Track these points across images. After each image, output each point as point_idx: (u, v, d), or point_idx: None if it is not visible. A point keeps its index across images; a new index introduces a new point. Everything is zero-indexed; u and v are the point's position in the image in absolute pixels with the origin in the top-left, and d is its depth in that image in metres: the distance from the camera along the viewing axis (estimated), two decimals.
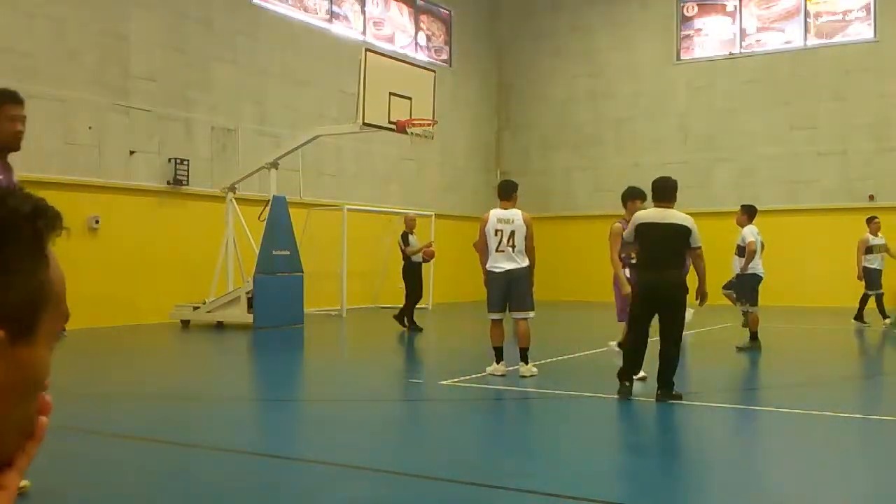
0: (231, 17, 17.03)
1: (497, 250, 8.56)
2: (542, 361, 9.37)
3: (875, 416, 6.64)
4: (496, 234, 8.60)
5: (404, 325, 14.04)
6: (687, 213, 7.49)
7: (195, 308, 14.58)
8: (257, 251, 14.29)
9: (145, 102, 15.32)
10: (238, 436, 6.14)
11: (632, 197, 8.72)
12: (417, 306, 14.56)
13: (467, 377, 8.58)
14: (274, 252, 14.24)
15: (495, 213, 8.70)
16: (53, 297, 0.83)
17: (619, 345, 8.77)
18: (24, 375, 0.80)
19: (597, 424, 6.59)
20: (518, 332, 8.68)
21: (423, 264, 14.38)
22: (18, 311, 0.79)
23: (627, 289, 7.86)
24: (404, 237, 14.12)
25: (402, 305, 14.20)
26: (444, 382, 8.33)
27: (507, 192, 8.85)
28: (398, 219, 18.11)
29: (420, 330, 14.00)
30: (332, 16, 19.94)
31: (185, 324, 14.52)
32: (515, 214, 8.60)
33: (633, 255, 8.08)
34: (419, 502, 4.51)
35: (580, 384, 8.33)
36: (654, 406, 6.98)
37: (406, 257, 13.99)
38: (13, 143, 4.42)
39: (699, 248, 7.14)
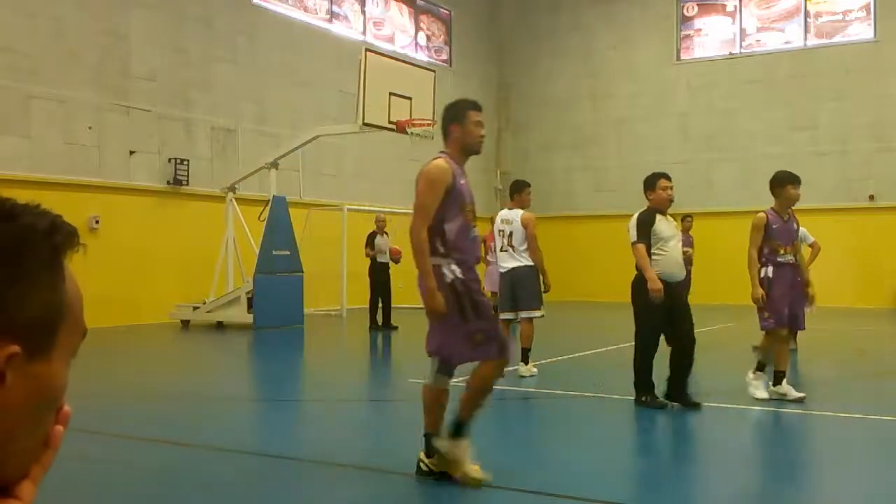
0: (231, 17, 17.03)
1: (501, 250, 8.65)
2: (543, 361, 9.37)
3: (874, 416, 6.64)
4: (500, 235, 8.67)
5: (377, 326, 14.06)
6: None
7: (195, 308, 14.59)
8: (257, 251, 14.29)
9: (145, 102, 15.33)
10: (238, 436, 6.14)
11: (783, 182, 7.22)
12: (417, 307, 14.51)
13: (467, 377, 8.57)
14: (274, 252, 14.24)
15: (500, 214, 8.83)
16: (70, 314, 0.83)
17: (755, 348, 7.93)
18: (40, 391, 0.81)
19: (597, 424, 6.59)
20: (522, 332, 8.71)
21: (393, 266, 14.42)
22: (35, 326, 0.79)
23: (759, 292, 6.92)
24: (370, 237, 14.15)
25: (385, 309, 14.22)
26: None
27: (510, 193, 8.97)
28: (398, 219, 18.11)
29: (386, 329, 14.00)
30: (332, 16, 19.94)
31: (185, 324, 14.53)
32: (516, 215, 8.63)
33: (782, 250, 7.05)
34: (419, 502, 4.51)
35: (581, 384, 8.33)
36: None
37: (371, 257, 14.05)
38: (477, 147, 4.76)
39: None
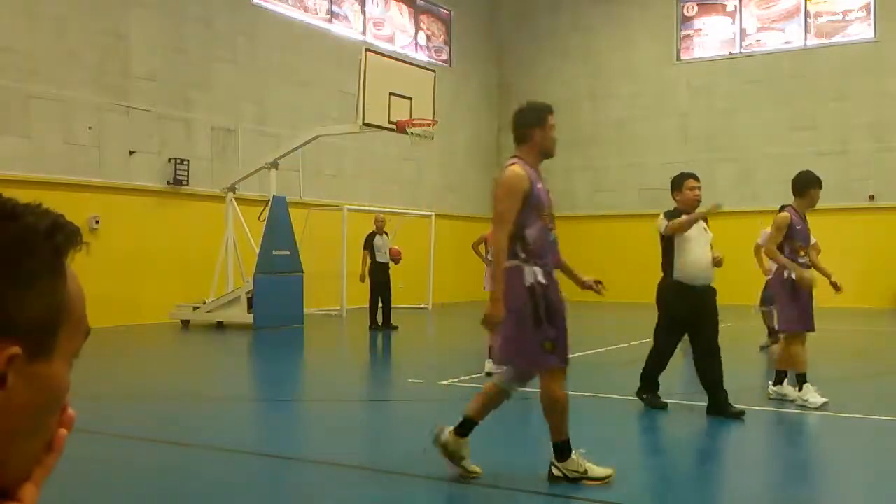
0: (231, 17, 17.03)
1: None
2: None
3: (874, 416, 6.64)
4: None
5: (377, 326, 14.04)
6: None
7: (195, 308, 14.58)
8: (257, 251, 14.29)
9: (145, 102, 15.32)
10: (238, 436, 6.14)
11: (811, 184, 7.16)
12: (417, 307, 14.51)
13: (467, 377, 8.59)
14: (274, 252, 14.24)
15: None
16: (73, 314, 0.82)
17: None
18: (42, 393, 0.80)
19: (597, 424, 6.58)
20: None
21: (393, 266, 14.42)
22: (36, 327, 0.78)
23: (803, 273, 6.76)
24: (369, 238, 14.12)
25: (385, 309, 14.21)
26: (444, 382, 8.34)
27: None
28: (397, 219, 18.10)
29: (386, 329, 13.99)
30: (332, 16, 19.94)
31: (185, 324, 14.52)
32: None
33: (802, 252, 6.95)
34: (419, 502, 4.51)
35: (580, 384, 8.32)
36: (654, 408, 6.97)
37: (372, 257, 14.04)
38: (553, 150, 4.82)
39: None
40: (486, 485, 4.64)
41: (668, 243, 6.62)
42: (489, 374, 8.55)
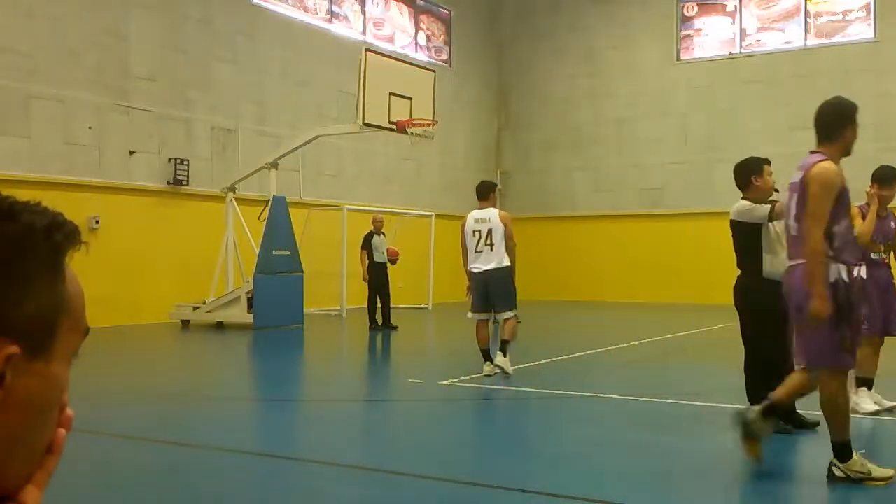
0: (231, 17, 17.03)
1: (476, 251, 8.65)
2: (542, 361, 9.39)
3: (874, 417, 6.64)
4: (474, 235, 8.69)
5: (377, 326, 14.04)
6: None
7: (195, 308, 14.58)
8: (257, 251, 14.29)
9: (145, 102, 15.33)
10: (238, 436, 6.14)
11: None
12: (417, 307, 14.50)
13: (467, 377, 8.59)
14: (274, 252, 14.24)
15: (472, 215, 8.85)
16: (71, 313, 0.82)
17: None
18: (41, 391, 0.80)
19: (596, 424, 6.59)
20: (503, 327, 8.72)
21: (391, 266, 14.45)
22: (34, 326, 0.78)
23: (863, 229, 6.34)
24: (367, 238, 14.11)
25: (385, 309, 14.21)
26: (444, 382, 8.34)
27: (483, 193, 9.01)
28: (396, 219, 18.11)
29: (386, 329, 13.99)
30: (332, 16, 19.94)
31: (185, 324, 14.53)
32: (491, 213, 8.70)
33: (878, 249, 6.63)
34: (418, 502, 4.51)
35: (580, 384, 8.33)
36: (654, 406, 6.98)
37: (370, 257, 14.03)
38: (852, 150, 4.69)
39: None
40: (487, 485, 4.64)
41: (754, 237, 5.95)
42: (488, 376, 8.56)
